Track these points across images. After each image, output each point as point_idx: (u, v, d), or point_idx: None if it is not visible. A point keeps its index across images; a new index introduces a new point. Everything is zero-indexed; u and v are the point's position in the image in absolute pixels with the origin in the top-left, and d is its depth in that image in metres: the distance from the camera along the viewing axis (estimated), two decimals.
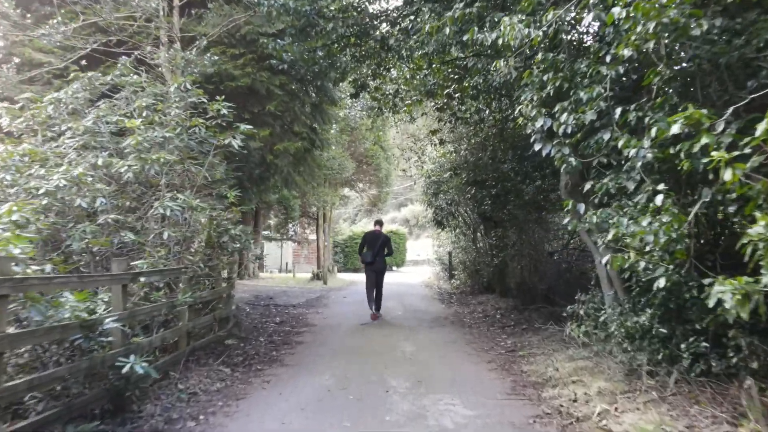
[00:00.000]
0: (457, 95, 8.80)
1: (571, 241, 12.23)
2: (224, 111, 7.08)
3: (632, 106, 4.43)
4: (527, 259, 11.24)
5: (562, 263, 11.81)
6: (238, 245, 6.98)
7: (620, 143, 4.33)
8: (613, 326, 5.70)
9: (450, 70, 9.21)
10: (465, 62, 8.58)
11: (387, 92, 10.24)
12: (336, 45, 9.14)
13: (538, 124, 5.00)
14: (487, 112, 9.82)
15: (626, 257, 4.16)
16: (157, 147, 6.72)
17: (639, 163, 4.18)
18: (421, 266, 44.45)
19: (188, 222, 6.54)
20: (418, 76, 9.92)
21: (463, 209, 16.28)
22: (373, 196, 27.51)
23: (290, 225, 28.49)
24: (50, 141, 6.73)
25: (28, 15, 9.61)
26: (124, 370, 4.28)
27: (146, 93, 7.16)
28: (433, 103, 9.73)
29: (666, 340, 5.33)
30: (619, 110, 4.41)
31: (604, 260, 4.47)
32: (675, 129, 3.54)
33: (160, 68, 8.64)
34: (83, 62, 8.57)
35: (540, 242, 11.85)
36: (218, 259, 6.93)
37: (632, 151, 4.18)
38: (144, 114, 6.68)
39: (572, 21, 5.41)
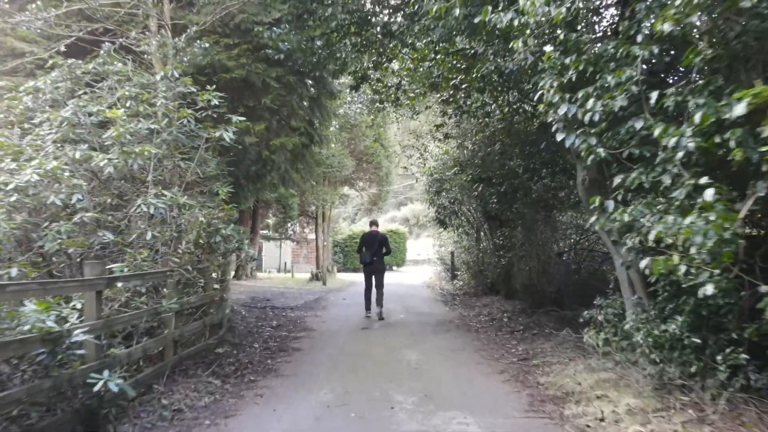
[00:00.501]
0: (463, 86, 8.30)
1: (580, 241, 11.77)
2: (215, 101, 6.57)
3: (670, 90, 3.93)
4: (535, 260, 10.74)
5: (570, 264, 11.33)
6: (230, 246, 6.46)
7: (656, 131, 3.82)
8: (638, 335, 5.20)
9: (456, 60, 8.71)
10: (472, 51, 8.10)
11: (389, 84, 9.74)
12: (335, 34, 8.65)
13: (561, 111, 4.49)
14: (493, 106, 9.35)
15: (669, 260, 3.65)
16: (142, 140, 6.23)
17: (680, 154, 3.68)
18: (422, 266, 43.97)
19: (176, 221, 6.04)
20: (421, 68, 9.43)
21: (466, 208, 15.80)
22: (373, 194, 27.01)
23: (289, 224, 28.00)
24: (28, 134, 6.24)
25: (8, 1, 9.10)
26: (97, 388, 3.79)
27: (133, 83, 6.66)
28: (438, 96, 9.22)
29: (699, 350, 4.85)
30: (655, 94, 3.91)
31: (642, 264, 3.95)
32: (739, 110, 3.04)
33: (147, 56, 8.12)
34: (67, 51, 8.07)
35: (547, 242, 11.35)
36: (209, 261, 6.41)
37: (671, 141, 3.67)
38: (128, 104, 6.17)
39: None
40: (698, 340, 4.75)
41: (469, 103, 9.36)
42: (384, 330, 9.44)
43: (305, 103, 10.87)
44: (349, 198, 31.08)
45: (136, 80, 6.71)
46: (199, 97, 6.59)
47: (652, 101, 3.92)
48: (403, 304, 13.41)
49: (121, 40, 7.64)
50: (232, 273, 24.74)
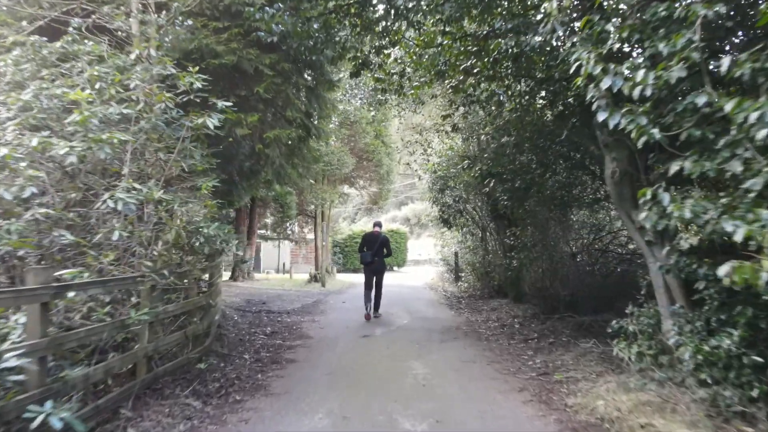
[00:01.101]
0: (474, 71, 7.55)
1: (593, 241, 11.03)
2: (198, 84, 5.84)
3: (743, 56, 3.19)
4: (547, 262, 10.00)
5: (585, 266, 10.60)
6: (215, 247, 5.72)
7: (727, 106, 3.09)
8: (685, 351, 4.47)
9: (465, 45, 7.96)
10: (484, 33, 7.36)
11: (392, 71, 8.99)
12: (334, 15, 7.92)
13: (605, 84, 3.73)
14: (503, 96, 8.61)
15: (757, 267, 2.91)
16: (114, 127, 5.49)
17: (762, 133, 2.94)
18: (423, 266, 43.26)
19: (151, 219, 5.31)
20: (427, 55, 8.69)
21: (471, 206, 15.07)
22: (374, 193, 26.25)
23: (288, 224, 27.28)
24: None
25: None
26: (35, 424, 3.06)
27: (108, 65, 5.92)
28: (446, 83, 8.47)
29: (760, 370, 4.12)
30: (726, 61, 3.17)
31: (722, 271, 3.21)
32: None
33: (126, 35, 7.36)
34: (41, 34, 7.32)
35: (559, 242, 10.62)
36: (191, 264, 5.67)
37: (753, 115, 2.93)
38: (97, 86, 5.43)
39: None
40: (759, 359, 4.03)
41: (478, 92, 8.63)
42: (387, 338, 8.69)
43: (302, 94, 10.13)
44: (349, 197, 30.31)
45: (111, 61, 5.97)
46: (180, 80, 5.84)
47: (724, 68, 3.17)
48: (406, 307, 12.67)
49: (94, 17, 6.88)
50: (228, 274, 24.02)
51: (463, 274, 17.75)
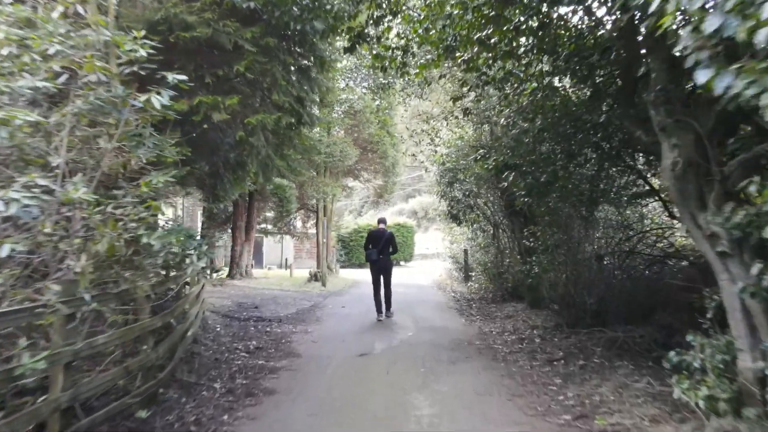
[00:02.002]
0: (491, 41, 6.27)
1: (620, 243, 9.74)
2: (142, 52, 4.60)
3: None
4: (571, 266, 8.73)
5: (613, 270, 9.33)
6: (160, 258, 4.50)
7: None
8: None
9: (480, 14, 6.68)
10: None
11: (393, 47, 7.72)
12: None
13: (711, 25, 2.44)
14: (522, 75, 7.35)
15: None
16: (33, 105, 4.29)
17: None
18: (430, 260, 42.11)
19: (75, 227, 4.10)
20: (433, 28, 7.42)
21: (482, 201, 13.81)
22: (379, 186, 24.98)
23: (290, 218, 26.11)
24: None
25: None
26: None
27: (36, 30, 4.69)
28: (457, 59, 7.19)
29: None
30: None
31: None
32: None
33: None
34: None
35: (583, 243, 9.35)
36: (130, 282, 4.44)
37: None
38: (5, 51, 4.20)
39: None
40: None
41: (493, 71, 7.37)
42: (387, 356, 7.46)
43: (292, 76, 8.87)
44: (354, 190, 29.09)
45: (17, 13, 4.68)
46: (117, 43, 4.60)
47: None
48: (412, 314, 11.44)
49: None
50: (224, 272, 22.89)
51: (473, 274, 16.52)
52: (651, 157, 7.12)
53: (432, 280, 22.51)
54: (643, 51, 5.19)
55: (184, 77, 4.88)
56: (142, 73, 4.75)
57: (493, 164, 8.79)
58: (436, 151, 13.35)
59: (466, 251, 18.22)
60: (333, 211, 25.72)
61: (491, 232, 14.94)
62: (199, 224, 32.78)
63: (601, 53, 5.71)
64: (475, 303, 13.31)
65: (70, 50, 4.46)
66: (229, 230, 23.00)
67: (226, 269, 22.82)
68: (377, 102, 22.32)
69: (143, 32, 5.01)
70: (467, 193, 13.50)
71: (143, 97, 4.57)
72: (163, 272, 5.33)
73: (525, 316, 10.46)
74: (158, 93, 4.60)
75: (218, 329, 9.24)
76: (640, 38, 5.13)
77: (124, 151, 5.17)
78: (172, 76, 4.74)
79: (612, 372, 6.11)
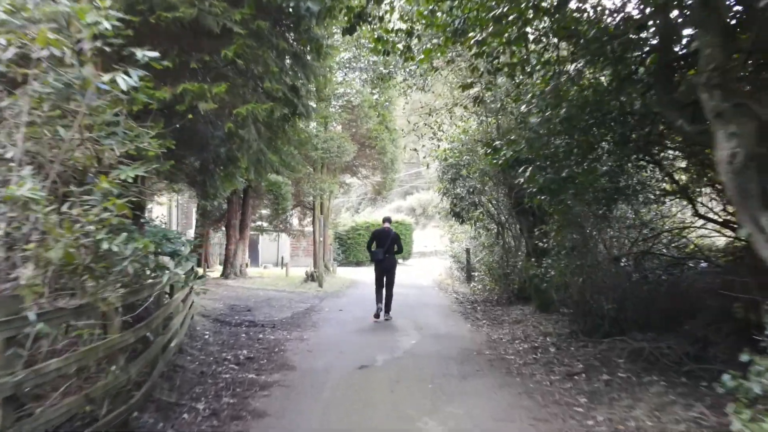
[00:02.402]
0: (505, 21, 5.59)
1: (637, 243, 9.09)
2: (106, 24, 3.91)
3: None
4: (590, 268, 8.07)
5: (631, 273, 8.68)
6: (122, 265, 3.81)
7: None
8: None
9: None
10: None
11: (396, 29, 7.04)
12: None
13: None
14: (536, 60, 6.71)
15: None
16: None
17: None
18: (429, 258, 41.50)
19: (24, 231, 3.43)
20: (440, 10, 6.76)
21: (487, 198, 13.16)
22: (378, 183, 24.30)
23: (287, 216, 25.43)
24: None
25: None
26: None
27: None
28: (468, 42, 6.51)
29: None
30: None
31: None
32: None
33: None
34: None
35: (598, 244, 8.70)
36: (93, 295, 3.76)
37: None
38: None
39: None
40: None
41: (504, 58, 6.73)
42: (390, 370, 6.80)
43: (286, 63, 8.19)
44: (351, 187, 28.41)
45: None
46: (80, 18, 3.91)
47: None
48: (414, 318, 10.78)
49: None
50: (218, 271, 22.21)
51: (476, 274, 15.87)
52: (689, 149, 6.46)
53: (432, 280, 21.88)
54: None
55: (155, 54, 4.18)
56: (107, 49, 4.06)
57: (503, 159, 8.13)
58: (438, 146, 12.67)
59: (468, 251, 17.58)
60: (330, 208, 25.03)
61: (495, 231, 14.30)
62: (194, 222, 32.18)
63: (637, 29, 5.04)
64: (480, 306, 12.67)
65: (23, 22, 3.77)
66: (224, 228, 22.34)
67: (220, 268, 22.18)
68: (376, 96, 21.66)
69: (120, 8, 4.37)
70: (471, 190, 12.86)
71: (107, 77, 3.88)
72: (137, 281, 4.64)
73: (535, 321, 9.82)
74: (126, 73, 3.92)
75: (207, 336, 8.57)
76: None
77: (97, 143, 4.52)
78: (141, 53, 4.05)
79: (643, 390, 5.47)
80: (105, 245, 3.43)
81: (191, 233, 25.23)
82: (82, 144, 4.45)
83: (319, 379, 6.35)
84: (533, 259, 9.77)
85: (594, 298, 8.15)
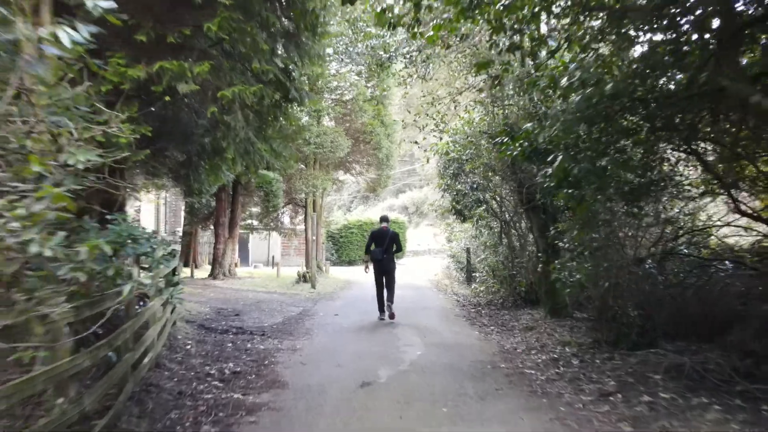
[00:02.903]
0: None
1: (663, 243, 8.32)
2: None
3: None
4: (617, 270, 7.26)
5: (656, 275, 7.91)
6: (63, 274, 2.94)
7: None
8: None
9: None
10: None
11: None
12: None
13: None
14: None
15: None
16: None
17: None
18: (422, 257, 40.72)
19: None
20: None
21: (491, 195, 12.36)
22: (372, 180, 23.44)
23: (279, 213, 24.53)
24: None
25: None
26: None
27: None
28: (474, 23, 5.71)
29: None
30: None
31: None
32: None
33: None
34: None
35: (624, 245, 7.91)
36: (19, 313, 2.87)
37: None
38: None
39: None
40: None
41: (528, 32, 5.90)
42: (396, 388, 5.94)
43: (277, 41, 7.34)
44: (344, 184, 27.55)
45: None
46: None
47: None
48: (416, 324, 9.95)
49: None
50: (207, 272, 21.29)
51: (477, 275, 15.07)
52: (731, 138, 5.66)
53: (428, 280, 21.10)
54: None
55: (110, 4, 3.30)
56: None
57: (519, 150, 7.32)
58: (440, 138, 11.84)
59: (468, 250, 16.78)
60: (323, 206, 24.17)
61: (498, 229, 13.52)
62: (182, 220, 31.20)
63: None
64: (484, 309, 11.88)
65: None
66: (212, 227, 21.43)
67: (210, 268, 21.27)
68: (371, 89, 20.82)
69: None
70: (475, 186, 12.05)
71: (46, 30, 3.02)
72: (67, 304, 3.77)
73: (548, 327, 9.03)
74: (71, 26, 3.05)
75: (189, 347, 7.70)
76: None
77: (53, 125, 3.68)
78: (92, 2, 3.18)
79: (696, 415, 4.68)
80: (34, 248, 2.57)
81: (180, 232, 24.33)
82: (28, 124, 3.60)
83: (314, 400, 5.50)
84: (546, 260, 8.99)
85: (618, 303, 7.36)
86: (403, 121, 11.69)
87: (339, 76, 19.90)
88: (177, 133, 8.36)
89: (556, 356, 7.17)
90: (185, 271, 21.47)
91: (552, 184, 7.17)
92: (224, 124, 6.92)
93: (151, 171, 10.41)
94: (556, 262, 7.40)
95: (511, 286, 12.04)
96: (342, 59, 20.36)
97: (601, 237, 7.14)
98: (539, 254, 10.09)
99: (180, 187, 12.63)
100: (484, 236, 14.40)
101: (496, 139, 8.13)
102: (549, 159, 6.22)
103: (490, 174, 11.17)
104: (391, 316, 10.21)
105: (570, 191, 6.30)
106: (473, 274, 15.94)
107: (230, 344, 8.10)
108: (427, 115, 11.12)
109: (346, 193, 55.65)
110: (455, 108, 11.15)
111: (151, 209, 36.35)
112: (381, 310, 10.40)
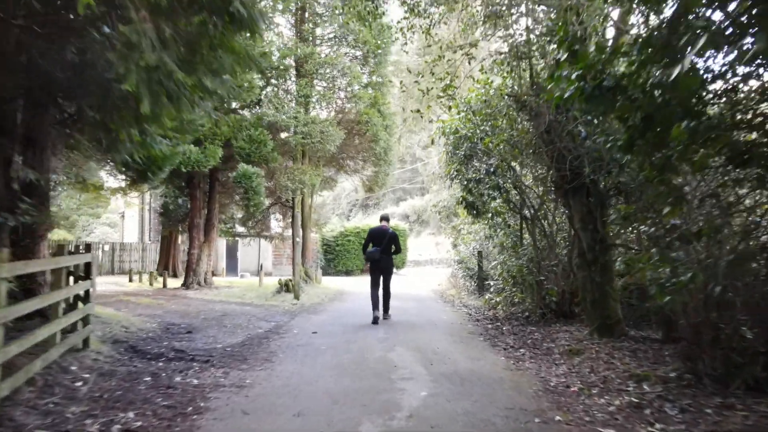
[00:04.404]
0: None
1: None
2: None
3: None
4: (729, 269, 4.73)
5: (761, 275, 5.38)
6: None
7: None
8: None
9: None
10: None
11: None
12: None
13: None
14: None
15: None
16: None
17: None
18: (424, 267, 38.36)
19: None
20: None
21: (511, 180, 9.92)
22: (369, 178, 20.91)
23: (266, 217, 22.01)
24: None
25: None
26: None
27: None
28: None
29: None
30: None
31: None
32: None
33: None
34: None
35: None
36: None
37: None
38: None
39: None
40: None
41: None
42: None
43: None
44: (338, 183, 25.04)
45: None
46: None
47: None
48: (418, 345, 7.41)
49: None
50: (179, 281, 18.77)
51: (492, 283, 12.52)
52: None
53: (431, 290, 18.63)
54: None
55: None
56: None
57: (576, 88, 4.82)
58: (449, 108, 9.33)
59: (480, 254, 14.25)
60: (313, 206, 21.65)
61: (519, 226, 11.04)
62: (153, 223, 28.77)
63: None
64: (505, 325, 9.35)
65: None
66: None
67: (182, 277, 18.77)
68: (366, 74, 18.52)
69: None
70: (492, 169, 9.56)
71: None
72: None
73: (601, 351, 6.53)
74: None
75: (80, 384, 5.17)
76: None
77: None
78: None
79: None
80: None
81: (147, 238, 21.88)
82: None
83: None
84: (593, 259, 6.49)
85: (725, 317, 4.85)
86: (401, 83, 9.11)
87: (329, 57, 17.51)
88: (91, 83, 5.91)
89: (635, 400, 4.63)
90: (159, 281, 18.97)
91: (621, 143, 4.70)
92: (123, 42, 4.43)
93: (74, 146, 7.98)
94: (654, 251, 4.82)
95: (539, 295, 9.51)
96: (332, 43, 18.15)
97: (712, 217, 4.62)
98: (584, 252, 7.57)
99: (113, 164, 10.10)
100: (500, 236, 11.91)
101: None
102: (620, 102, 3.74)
103: (515, 151, 8.69)
104: (385, 316, 9.90)
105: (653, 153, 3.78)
106: (487, 282, 13.41)
107: (149, 378, 5.57)
108: (432, 74, 8.59)
109: (344, 202, 53.40)
110: (469, 63, 8.63)
111: (135, 214, 34.01)
112: (375, 307, 9.65)
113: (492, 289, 12.27)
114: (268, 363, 6.37)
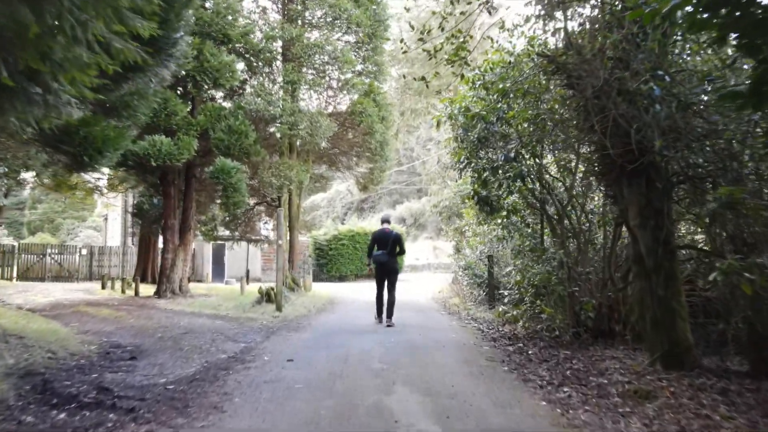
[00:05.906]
0: None
1: None
2: None
3: None
4: None
5: None
6: None
7: None
8: None
9: None
10: None
11: None
12: None
13: None
14: None
15: None
16: None
17: None
18: (421, 272, 36.69)
19: None
20: None
21: (534, 169, 8.15)
22: (363, 175, 19.07)
23: (251, 220, 20.17)
24: None
25: None
26: None
27: None
28: None
29: None
30: None
31: None
32: None
33: None
34: None
35: None
36: None
37: None
38: None
39: None
40: None
41: None
42: None
43: None
44: (329, 181, 23.19)
45: None
46: None
47: None
48: (427, 383, 5.54)
49: None
50: (154, 288, 16.85)
51: (505, 293, 10.68)
52: None
53: (432, 298, 16.81)
54: None
55: None
56: None
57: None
58: (461, 76, 7.49)
59: (490, 258, 12.40)
60: (301, 206, 19.78)
61: (537, 225, 9.23)
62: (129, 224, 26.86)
63: None
64: (528, 346, 7.51)
65: None
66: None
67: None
68: (361, 62, 16.75)
69: None
70: (512, 154, 7.74)
71: None
72: None
73: (680, 393, 4.70)
74: None
75: None
76: None
77: None
78: None
79: None
80: None
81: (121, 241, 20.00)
82: None
83: None
84: (655, 266, 4.67)
85: None
86: (402, 42, 7.25)
87: (318, 41, 15.71)
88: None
89: None
90: (132, 288, 17.05)
91: (742, 88, 2.89)
92: None
93: None
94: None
95: (571, 310, 7.68)
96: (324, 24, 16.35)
97: None
98: (642, 257, 5.74)
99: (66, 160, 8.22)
100: (515, 239, 10.07)
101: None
102: None
103: (546, 129, 6.88)
104: (389, 323, 9.71)
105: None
106: (499, 292, 11.57)
107: None
108: (442, 29, 6.75)
109: (339, 204, 51.75)
110: (489, 13, 6.80)
111: (119, 217, 32.13)
112: (379, 313, 9.99)
113: (506, 300, 10.43)
114: (216, 414, 4.49)
